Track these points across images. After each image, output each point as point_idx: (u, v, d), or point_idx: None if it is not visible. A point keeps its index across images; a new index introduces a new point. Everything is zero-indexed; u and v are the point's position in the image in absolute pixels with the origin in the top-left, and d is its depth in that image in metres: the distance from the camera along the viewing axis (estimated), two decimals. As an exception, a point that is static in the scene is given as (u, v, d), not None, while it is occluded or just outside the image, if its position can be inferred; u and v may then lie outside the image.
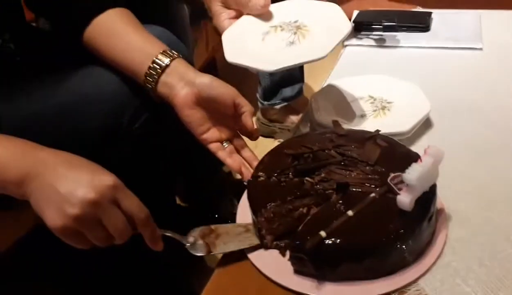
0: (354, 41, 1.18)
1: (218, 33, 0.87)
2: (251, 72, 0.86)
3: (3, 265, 0.99)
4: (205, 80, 0.73)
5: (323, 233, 0.58)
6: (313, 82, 1.72)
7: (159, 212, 0.62)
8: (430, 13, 1.21)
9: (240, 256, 0.65)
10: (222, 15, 0.87)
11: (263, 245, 0.65)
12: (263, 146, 0.79)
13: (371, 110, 0.89)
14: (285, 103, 1.59)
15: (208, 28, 1.56)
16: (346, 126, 0.79)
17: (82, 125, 0.77)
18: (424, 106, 0.86)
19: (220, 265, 0.67)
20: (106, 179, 0.58)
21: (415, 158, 0.63)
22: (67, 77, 0.79)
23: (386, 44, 1.15)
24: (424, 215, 0.61)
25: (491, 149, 0.81)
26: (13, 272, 1.10)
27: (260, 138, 0.79)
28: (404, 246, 0.60)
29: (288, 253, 0.63)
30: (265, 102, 1.61)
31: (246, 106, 0.74)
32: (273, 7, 0.87)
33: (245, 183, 0.72)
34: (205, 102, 0.73)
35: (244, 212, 0.71)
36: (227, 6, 0.87)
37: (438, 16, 1.21)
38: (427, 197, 0.61)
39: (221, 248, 0.65)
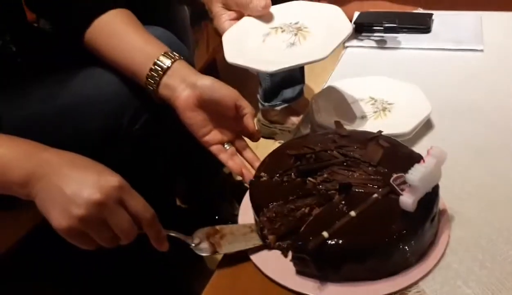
0: (354, 42, 1.18)
1: (218, 35, 0.87)
2: (252, 74, 0.86)
3: (3, 265, 0.98)
4: (207, 82, 0.73)
5: (325, 234, 0.58)
6: (314, 84, 1.72)
7: (159, 213, 0.62)
8: (431, 14, 1.21)
9: (240, 257, 0.65)
10: (222, 16, 0.87)
11: (265, 245, 0.65)
12: (263, 147, 0.79)
13: (371, 112, 0.89)
14: (286, 105, 1.59)
15: (209, 29, 1.56)
16: (346, 127, 0.79)
17: (83, 126, 0.77)
18: (425, 107, 0.86)
19: (220, 266, 0.67)
20: (111, 179, 0.58)
21: (418, 158, 0.64)
22: (68, 78, 0.79)
23: (387, 45, 1.15)
24: (426, 216, 0.61)
25: (492, 150, 0.81)
26: (13, 272, 1.10)
27: (261, 139, 0.79)
28: (406, 247, 0.59)
29: (290, 254, 0.63)
30: (266, 104, 1.61)
31: (247, 108, 0.74)
32: (274, 9, 0.87)
33: (246, 185, 0.72)
34: (206, 105, 0.73)
35: (245, 213, 0.71)
36: (227, 8, 0.87)
37: (439, 17, 1.21)
38: (430, 198, 0.61)
39: (227, 248, 0.65)
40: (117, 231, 0.59)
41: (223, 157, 0.75)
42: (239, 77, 1.21)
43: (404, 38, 1.16)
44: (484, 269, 0.61)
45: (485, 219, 0.68)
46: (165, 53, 0.74)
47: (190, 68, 0.75)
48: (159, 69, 0.73)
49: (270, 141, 1.61)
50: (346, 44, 1.17)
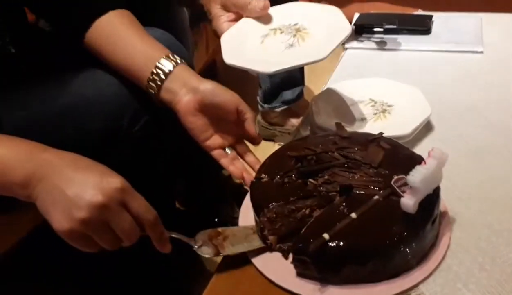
0: (355, 44, 1.18)
1: (217, 36, 0.88)
2: (252, 75, 0.86)
3: (3, 266, 0.98)
4: (208, 87, 0.73)
5: (326, 236, 0.58)
6: (314, 85, 1.72)
7: (159, 215, 0.62)
8: (431, 16, 1.21)
9: (240, 259, 0.65)
10: (221, 17, 0.87)
11: (266, 246, 0.65)
12: (263, 149, 0.79)
13: (371, 113, 0.89)
14: (286, 106, 1.59)
15: (208, 30, 1.56)
16: (346, 129, 0.79)
17: (83, 127, 0.77)
18: (425, 109, 0.86)
19: (220, 268, 0.67)
20: (113, 181, 0.58)
21: (419, 160, 0.64)
22: (68, 79, 0.79)
23: (387, 47, 1.15)
24: (427, 218, 0.61)
25: (492, 151, 0.81)
26: (13, 273, 1.10)
27: (260, 141, 0.79)
28: (407, 249, 0.59)
29: (291, 256, 0.63)
30: (266, 105, 1.61)
31: (248, 113, 0.74)
32: (273, 10, 0.87)
33: (246, 187, 0.72)
34: (208, 109, 0.73)
35: (245, 216, 0.71)
36: (226, 9, 0.87)
37: (439, 19, 1.21)
38: (431, 200, 0.61)
39: (230, 250, 0.65)
40: (119, 233, 0.58)
41: (224, 161, 0.75)
42: (238, 78, 1.21)
43: (404, 40, 1.16)
44: (484, 272, 0.61)
45: (485, 221, 0.68)
46: (166, 56, 0.74)
47: (192, 72, 0.75)
48: (161, 73, 0.73)
49: (270, 143, 1.61)
50: (346, 45, 1.17)
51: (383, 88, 0.93)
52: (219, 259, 0.67)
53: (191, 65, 0.78)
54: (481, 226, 0.67)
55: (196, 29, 1.50)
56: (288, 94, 1.57)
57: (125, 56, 0.75)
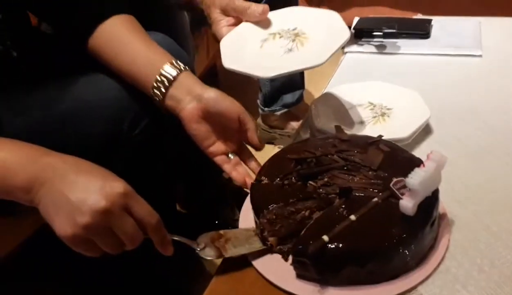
0: (354, 47, 1.18)
1: (217, 40, 0.88)
2: (252, 79, 0.87)
3: (4, 269, 0.99)
4: (212, 95, 0.73)
5: (325, 238, 0.59)
6: (314, 89, 1.72)
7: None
8: (430, 20, 1.22)
9: (240, 260, 0.65)
10: (221, 22, 0.87)
11: (266, 247, 0.65)
12: (263, 152, 0.79)
13: (370, 117, 0.89)
14: (286, 110, 1.60)
15: (209, 35, 1.56)
16: (346, 132, 0.79)
17: (83, 131, 0.77)
18: (424, 112, 0.86)
19: (219, 269, 0.67)
20: (116, 185, 0.57)
21: (418, 163, 0.64)
22: (68, 83, 0.79)
23: (387, 51, 1.16)
24: (426, 220, 0.61)
25: (491, 154, 0.82)
26: (15, 276, 1.10)
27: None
28: (406, 251, 0.60)
29: (290, 258, 0.63)
30: (266, 109, 1.62)
31: (249, 123, 0.75)
32: (272, 15, 0.88)
33: (246, 190, 0.72)
34: (211, 117, 0.74)
35: (246, 218, 0.71)
36: (226, 14, 0.88)
37: (438, 23, 1.22)
38: (430, 202, 0.62)
39: (232, 252, 0.65)
40: (122, 238, 0.58)
41: (226, 167, 0.76)
42: (239, 82, 1.22)
43: (404, 44, 1.16)
44: (482, 273, 0.62)
45: (484, 223, 0.68)
46: (170, 63, 0.74)
47: (195, 79, 0.75)
48: (165, 80, 0.73)
49: (270, 146, 1.61)
50: (346, 49, 1.18)
51: (382, 92, 0.94)
52: (219, 260, 0.67)
53: (192, 69, 0.78)
54: (479, 228, 0.68)
55: (197, 33, 1.50)
56: (288, 98, 1.58)
57: (129, 62, 0.76)
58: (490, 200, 0.73)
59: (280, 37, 0.85)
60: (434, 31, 1.19)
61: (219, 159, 0.76)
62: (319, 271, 0.60)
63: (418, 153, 0.78)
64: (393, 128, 0.84)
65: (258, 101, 1.64)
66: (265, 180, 0.70)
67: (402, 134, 0.81)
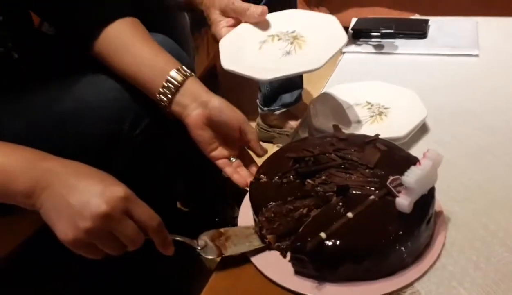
0: (352, 48, 1.19)
1: (216, 41, 0.89)
2: (251, 79, 0.87)
3: (4, 269, 0.99)
4: (216, 104, 0.74)
5: (323, 235, 0.59)
6: (312, 88, 1.73)
7: (160, 217, 0.63)
8: (427, 20, 1.22)
9: (239, 257, 0.66)
10: (220, 23, 0.88)
11: (265, 245, 0.66)
12: (262, 151, 0.80)
13: (368, 116, 0.90)
14: (285, 109, 1.60)
15: (209, 35, 1.56)
16: (343, 131, 0.80)
17: (84, 131, 0.78)
18: (421, 112, 0.87)
19: (219, 266, 0.67)
20: (116, 189, 0.58)
21: (414, 161, 0.64)
22: (69, 84, 0.79)
23: (384, 51, 1.17)
24: (422, 217, 0.62)
25: (487, 153, 0.82)
26: (14, 276, 1.10)
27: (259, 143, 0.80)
28: (403, 248, 0.60)
29: (288, 254, 0.64)
30: (265, 108, 1.62)
31: (249, 134, 0.76)
32: (271, 16, 0.89)
33: (245, 188, 0.73)
34: (214, 125, 0.75)
35: (245, 216, 0.72)
36: (225, 14, 0.88)
37: (435, 23, 1.23)
38: (426, 200, 0.62)
39: (232, 250, 0.66)
40: (123, 240, 0.59)
41: (228, 170, 0.77)
42: (238, 82, 1.22)
43: (401, 44, 1.17)
44: (479, 271, 0.62)
45: (480, 221, 0.69)
46: (176, 69, 0.75)
47: (201, 85, 0.76)
48: (172, 86, 0.74)
49: (269, 145, 1.62)
50: (344, 49, 1.18)
51: (380, 91, 0.94)
52: (219, 259, 0.68)
53: (192, 69, 0.79)
54: (476, 226, 0.68)
55: (197, 34, 1.51)
56: (287, 98, 1.59)
57: (134, 67, 0.76)
58: (486, 198, 0.73)
59: (279, 39, 0.86)
60: (431, 31, 1.20)
61: (220, 162, 0.77)
62: (317, 268, 0.60)
63: (415, 151, 0.79)
64: (390, 128, 0.84)
65: (258, 101, 1.65)
66: (264, 178, 0.71)
67: (399, 134, 0.82)
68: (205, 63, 1.68)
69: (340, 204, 0.64)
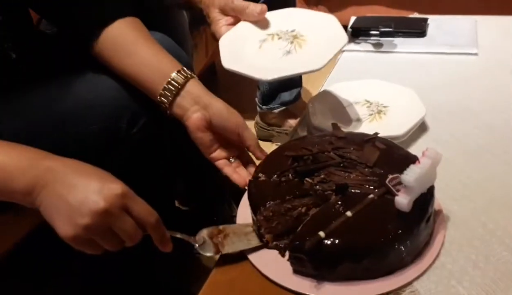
0: (351, 46, 1.19)
1: (215, 39, 0.88)
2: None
3: (2, 266, 0.99)
4: (217, 107, 0.74)
5: (322, 234, 0.59)
6: (311, 87, 1.73)
7: (159, 215, 0.63)
8: (426, 19, 1.22)
9: (237, 256, 0.66)
10: (219, 21, 0.88)
11: (263, 244, 0.66)
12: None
13: (367, 114, 0.90)
14: (284, 108, 1.60)
15: (208, 33, 1.57)
16: (342, 129, 0.80)
17: (82, 130, 0.78)
18: (420, 110, 0.87)
19: (217, 265, 0.67)
20: (114, 187, 0.59)
21: (413, 160, 0.64)
22: (67, 83, 0.79)
23: (383, 49, 1.17)
24: (422, 216, 0.62)
25: (486, 151, 0.82)
26: (13, 273, 1.10)
27: (258, 142, 0.80)
28: (402, 247, 0.60)
29: (287, 253, 0.64)
30: (264, 107, 1.62)
31: (250, 141, 0.76)
32: (270, 15, 0.88)
33: (245, 188, 0.73)
34: (214, 128, 0.75)
35: (243, 214, 0.72)
36: (225, 13, 0.88)
37: (434, 22, 1.23)
38: (425, 199, 0.62)
39: (230, 247, 0.66)
40: (122, 236, 0.60)
41: (227, 170, 0.77)
42: (237, 80, 1.22)
43: (400, 42, 1.17)
44: (477, 270, 0.62)
45: (479, 220, 0.69)
46: (177, 71, 0.75)
47: (202, 87, 0.76)
48: (173, 88, 0.74)
49: (268, 143, 1.62)
50: (343, 48, 1.18)
51: (379, 90, 0.94)
52: (217, 256, 0.68)
53: (191, 68, 0.79)
54: (474, 225, 0.68)
55: (196, 32, 1.51)
56: (286, 96, 1.59)
57: (135, 68, 0.76)
58: (485, 196, 0.73)
59: (279, 38, 0.86)
60: (430, 30, 1.20)
61: (220, 163, 0.77)
62: (316, 267, 0.60)
63: (414, 149, 0.79)
64: (389, 126, 0.84)
65: (256, 99, 1.65)
66: (262, 177, 0.71)
67: (398, 132, 0.82)
68: (203, 61, 1.68)
69: (339, 202, 0.64)
